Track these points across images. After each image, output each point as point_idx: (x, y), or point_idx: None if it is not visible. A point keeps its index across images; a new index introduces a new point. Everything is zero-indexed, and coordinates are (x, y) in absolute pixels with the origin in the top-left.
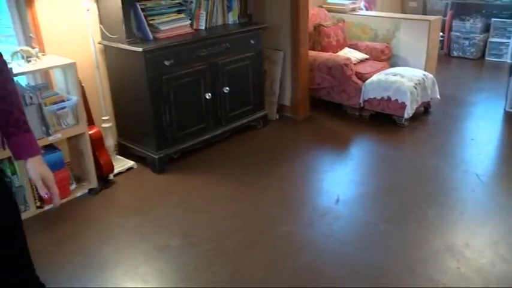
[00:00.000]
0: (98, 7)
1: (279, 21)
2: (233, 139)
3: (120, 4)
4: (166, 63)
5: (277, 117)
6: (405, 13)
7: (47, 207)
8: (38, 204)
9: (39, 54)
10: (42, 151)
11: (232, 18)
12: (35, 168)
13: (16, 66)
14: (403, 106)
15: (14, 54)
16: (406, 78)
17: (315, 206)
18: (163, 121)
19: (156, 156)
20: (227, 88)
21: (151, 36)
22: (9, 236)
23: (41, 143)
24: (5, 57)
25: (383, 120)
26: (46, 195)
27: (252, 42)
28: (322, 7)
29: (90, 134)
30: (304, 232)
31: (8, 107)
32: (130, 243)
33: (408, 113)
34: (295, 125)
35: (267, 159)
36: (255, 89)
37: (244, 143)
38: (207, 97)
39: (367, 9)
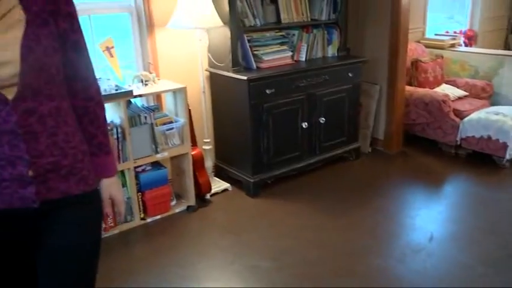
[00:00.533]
0: (209, 37)
1: (377, 56)
2: (325, 169)
3: (229, 35)
4: (268, 91)
5: (370, 150)
6: (509, 50)
7: (149, 220)
8: (142, 216)
9: (155, 79)
10: (149, 167)
11: (331, 51)
12: (108, 188)
13: (136, 88)
14: (504, 146)
15: (135, 77)
16: (509, 118)
17: (408, 242)
18: (260, 147)
19: (251, 180)
20: (323, 118)
21: (254, 66)
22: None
23: (150, 159)
24: (127, 81)
25: (481, 159)
26: (109, 214)
27: (350, 75)
28: (420, 42)
29: (192, 155)
30: (397, 267)
31: (95, 130)
32: (224, 261)
33: (510, 153)
34: (387, 159)
35: (358, 192)
36: (349, 121)
37: (336, 173)
38: (304, 126)
39: (466, 45)
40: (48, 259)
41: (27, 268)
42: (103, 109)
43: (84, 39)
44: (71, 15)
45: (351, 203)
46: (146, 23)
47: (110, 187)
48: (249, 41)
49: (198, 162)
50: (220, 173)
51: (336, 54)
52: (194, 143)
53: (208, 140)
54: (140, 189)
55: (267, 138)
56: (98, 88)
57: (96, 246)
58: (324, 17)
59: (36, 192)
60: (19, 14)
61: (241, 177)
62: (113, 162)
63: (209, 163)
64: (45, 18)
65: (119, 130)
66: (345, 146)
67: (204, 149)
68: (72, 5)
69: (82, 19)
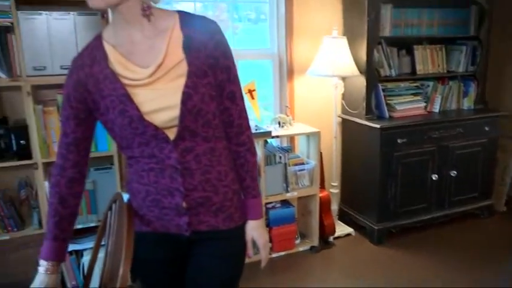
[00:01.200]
0: (344, 85)
1: None
2: (453, 224)
3: (364, 84)
4: (399, 141)
5: (505, 209)
6: None
7: (274, 255)
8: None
9: (291, 122)
10: (279, 204)
11: (467, 103)
12: (252, 230)
13: (273, 129)
14: None
15: (273, 119)
16: None
17: None
18: (387, 195)
19: (376, 228)
20: (454, 172)
21: (387, 115)
22: None
23: (280, 197)
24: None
25: None
26: (250, 255)
27: (487, 128)
28: None
29: (320, 197)
30: None
31: (244, 173)
32: None
33: None
34: None
35: (488, 252)
36: (483, 176)
37: (465, 230)
38: (433, 178)
39: None
40: (192, 283)
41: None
42: (253, 155)
43: (240, 90)
44: (229, 68)
45: (479, 264)
46: (287, 69)
47: (254, 229)
48: (383, 90)
49: (325, 205)
50: (344, 217)
51: (472, 107)
52: (322, 185)
53: (335, 184)
54: (269, 224)
55: (394, 186)
56: (250, 135)
57: (235, 280)
58: (461, 69)
59: (188, 223)
60: (184, 67)
61: (366, 224)
62: (259, 205)
63: (335, 206)
64: (204, 71)
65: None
66: (477, 202)
67: (331, 192)
68: (230, 59)
69: None
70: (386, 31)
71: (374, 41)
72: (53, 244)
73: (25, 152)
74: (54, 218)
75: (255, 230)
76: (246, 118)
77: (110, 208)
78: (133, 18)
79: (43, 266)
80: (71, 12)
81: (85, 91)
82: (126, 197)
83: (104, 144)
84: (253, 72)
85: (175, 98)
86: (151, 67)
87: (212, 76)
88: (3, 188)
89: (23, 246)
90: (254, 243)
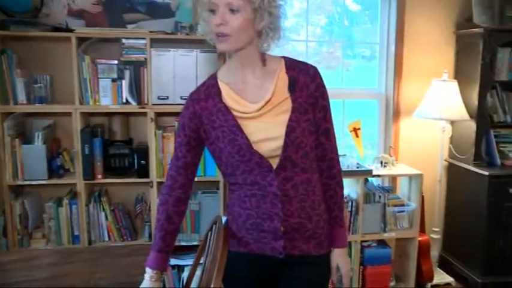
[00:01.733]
0: (452, 129)
1: None
2: None
3: (474, 128)
4: (511, 190)
5: None
6: None
7: None
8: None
9: (394, 162)
10: (375, 243)
11: None
12: (336, 257)
13: (375, 168)
14: None
15: (376, 159)
16: None
17: None
18: (494, 247)
19: (479, 281)
20: None
21: (499, 162)
22: None
23: (377, 236)
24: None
25: None
26: (333, 282)
27: None
28: None
29: (419, 240)
30: None
31: (333, 204)
32: None
33: None
34: None
35: None
36: None
37: None
38: None
39: None
40: None
41: None
42: (342, 188)
43: (333, 127)
44: (325, 108)
45: None
46: (393, 110)
47: (338, 257)
48: (495, 136)
49: (424, 249)
50: (445, 265)
51: None
52: (422, 229)
53: (437, 229)
54: (363, 263)
55: (503, 238)
56: (340, 169)
57: None
58: None
59: (284, 247)
60: (288, 104)
61: (468, 275)
62: (345, 235)
63: (435, 252)
64: (306, 108)
65: (354, 204)
66: None
67: (432, 237)
68: (327, 99)
69: (336, 102)
70: (503, 75)
71: (488, 85)
72: (158, 255)
73: (144, 171)
74: (160, 233)
75: (340, 258)
76: (337, 154)
77: (211, 229)
78: (248, 62)
79: (148, 273)
80: (195, 50)
81: (199, 122)
82: (224, 219)
83: (212, 170)
84: (359, 110)
85: (280, 130)
86: (260, 102)
87: (312, 114)
88: (122, 202)
89: (134, 252)
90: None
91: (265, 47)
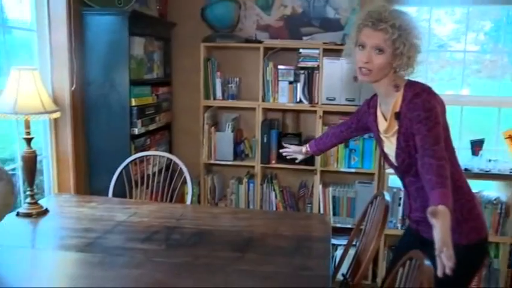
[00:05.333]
0: None
1: None
2: None
3: None
4: None
5: None
6: None
7: None
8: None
9: None
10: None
11: None
12: (433, 214)
13: None
14: None
15: None
16: None
17: None
18: None
19: None
20: None
21: None
22: None
23: None
24: None
25: None
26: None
27: None
28: None
29: None
30: None
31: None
32: None
33: None
34: None
35: None
36: None
37: None
38: None
39: None
40: None
41: None
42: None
43: (435, 152)
44: (425, 136)
45: None
46: None
47: (435, 214)
48: None
49: None
50: None
51: None
52: None
53: None
54: (511, 265)
55: None
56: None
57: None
58: None
59: (416, 230)
60: (396, 130)
61: None
62: (439, 196)
63: None
64: (407, 135)
65: (503, 207)
66: None
67: None
68: (423, 131)
69: (491, 110)
70: None
71: None
72: (313, 142)
73: (310, 160)
74: (316, 140)
75: (437, 214)
76: (438, 175)
77: (371, 202)
78: (382, 90)
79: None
80: None
81: (363, 117)
82: (387, 195)
83: (369, 164)
84: None
85: (393, 151)
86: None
87: (412, 140)
88: (289, 185)
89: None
90: None
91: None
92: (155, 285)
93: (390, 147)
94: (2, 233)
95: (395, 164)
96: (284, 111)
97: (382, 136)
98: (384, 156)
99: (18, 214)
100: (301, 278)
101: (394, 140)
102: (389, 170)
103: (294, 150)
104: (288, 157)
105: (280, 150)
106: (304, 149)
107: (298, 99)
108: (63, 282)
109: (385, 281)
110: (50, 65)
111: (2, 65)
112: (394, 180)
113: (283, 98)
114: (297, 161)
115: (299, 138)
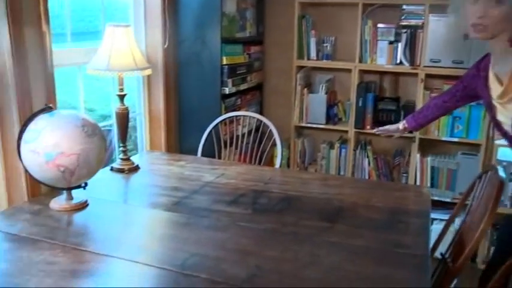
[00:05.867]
0: None
1: None
2: None
3: None
4: None
5: None
6: None
7: None
8: None
9: None
10: None
11: None
12: None
13: None
14: None
15: None
16: None
17: None
18: None
19: None
20: None
21: None
22: None
23: None
24: None
25: None
26: None
27: None
28: None
29: None
30: None
31: None
32: None
33: None
34: None
35: None
36: None
37: None
38: None
39: None
40: None
41: None
42: None
43: None
44: None
45: None
46: None
47: None
48: None
49: None
50: None
51: None
52: None
53: None
54: None
55: None
56: None
57: None
58: None
59: None
60: None
61: None
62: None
63: None
64: None
65: None
66: None
67: None
68: None
69: None
70: None
71: None
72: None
73: None
74: (414, 114)
75: None
76: None
77: (480, 177)
78: (498, 50)
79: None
80: None
81: (471, 82)
82: (501, 170)
83: (476, 133)
84: None
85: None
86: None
87: None
88: (383, 153)
89: (404, 189)
90: None
91: None
92: (240, 251)
93: (505, 114)
94: (96, 187)
95: (511, 133)
96: (382, 73)
97: (495, 102)
98: (496, 124)
99: (112, 169)
100: (395, 256)
101: (510, 106)
102: (500, 141)
103: (389, 129)
104: (382, 135)
105: (374, 131)
106: (401, 125)
107: (398, 61)
108: (149, 242)
109: (488, 274)
110: (144, 24)
111: (101, 25)
112: (504, 152)
113: (381, 59)
114: (394, 138)
115: (397, 103)
